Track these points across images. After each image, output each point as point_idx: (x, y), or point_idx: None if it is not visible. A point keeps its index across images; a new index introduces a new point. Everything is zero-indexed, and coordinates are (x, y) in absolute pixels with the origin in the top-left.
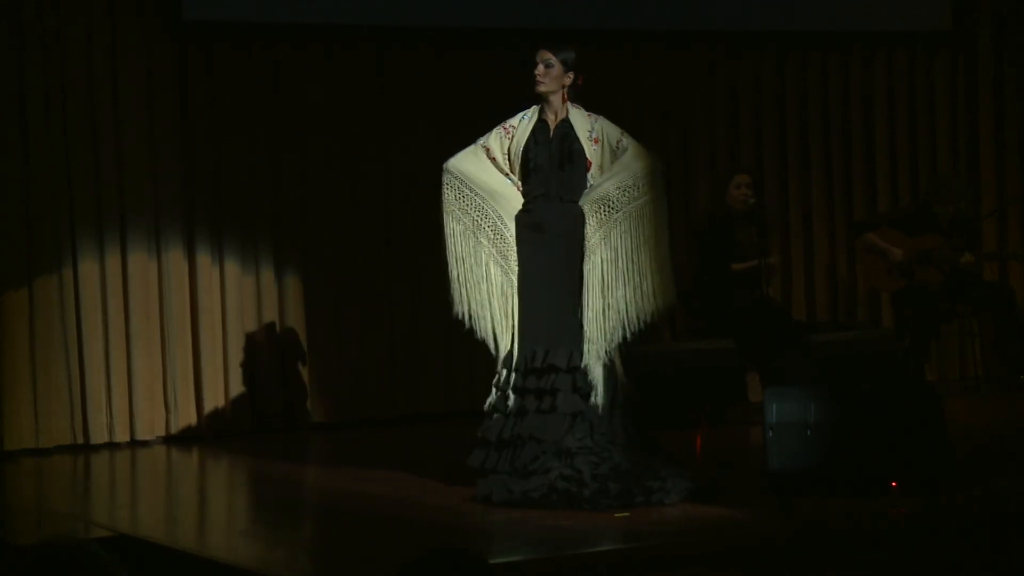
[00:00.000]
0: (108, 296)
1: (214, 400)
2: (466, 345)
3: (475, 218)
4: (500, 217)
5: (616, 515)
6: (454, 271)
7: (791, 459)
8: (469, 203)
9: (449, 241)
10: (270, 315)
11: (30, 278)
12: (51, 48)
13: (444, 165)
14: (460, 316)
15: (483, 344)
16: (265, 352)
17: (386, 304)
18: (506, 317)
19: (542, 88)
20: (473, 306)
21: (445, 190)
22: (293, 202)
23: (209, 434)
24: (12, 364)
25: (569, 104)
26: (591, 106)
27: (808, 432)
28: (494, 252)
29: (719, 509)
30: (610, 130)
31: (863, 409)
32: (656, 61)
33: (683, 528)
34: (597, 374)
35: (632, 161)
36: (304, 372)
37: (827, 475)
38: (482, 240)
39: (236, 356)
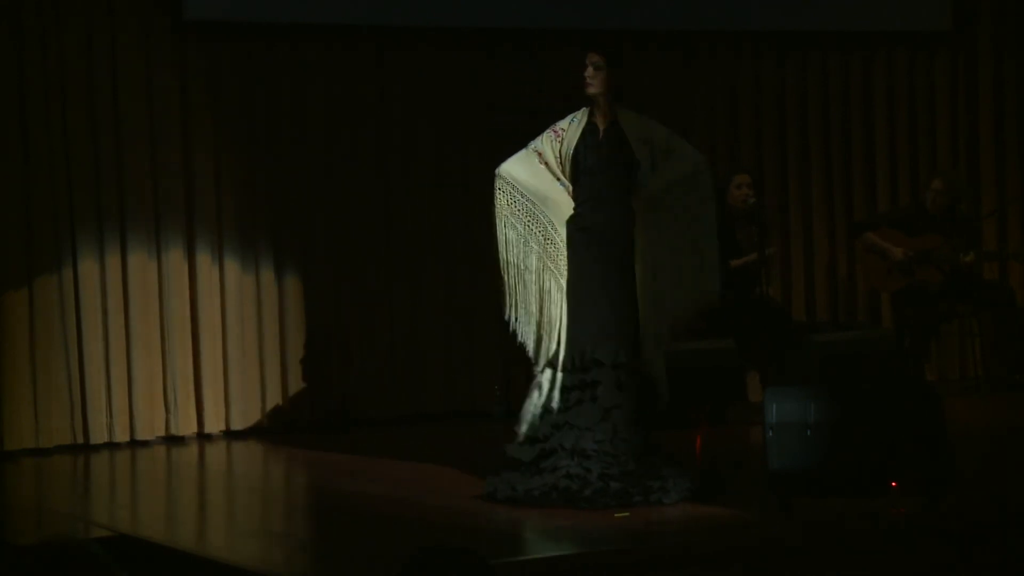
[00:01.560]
0: (108, 296)
1: (214, 400)
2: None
3: (527, 223)
4: (551, 223)
5: (616, 515)
6: (506, 276)
7: (791, 459)
8: (521, 208)
9: (502, 248)
10: (270, 315)
11: (30, 278)
12: (51, 47)
13: (496, 170)
14: (508, 320)
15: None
16: (265, 352)
17: (386, 304)
18: (551, 322)
19: (592, 90)
20: (521, 312)
21: (498, 195)
22: (293, 202)
23: (208, 434)
24: (12, 364)
25: (617, 105)
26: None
27: (808, 432)
28: (545, 258)
29: (719, 509)
30: (659, 131)
31: (863, 409)
32: (655, 61)
33: (683, 528)
34: (658, 367)
35: (680, 161)
36: (304, 372)
37: (827, 475)
38: (533, 246)
39: (236, 356)
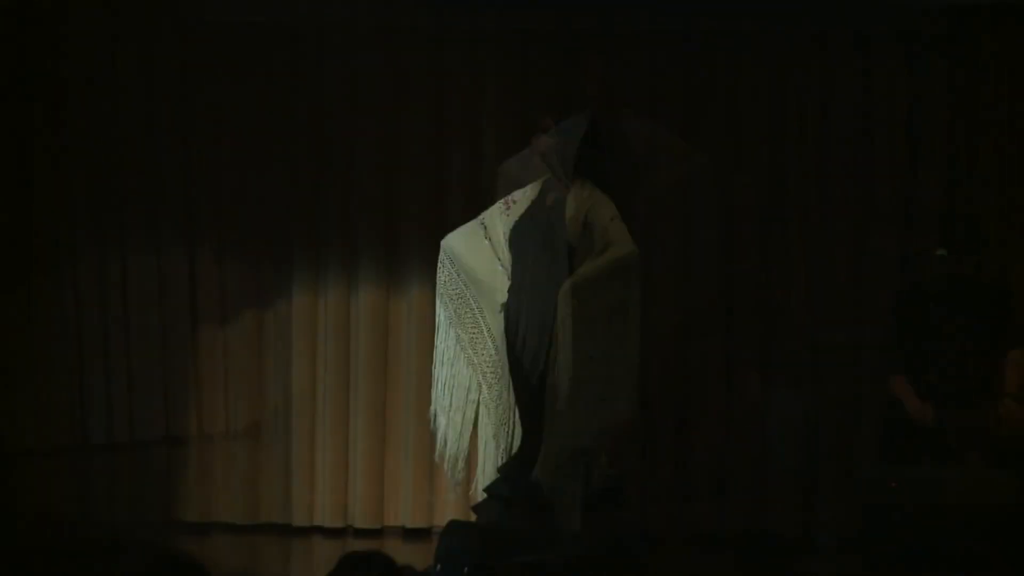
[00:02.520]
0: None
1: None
2: None
3: (457, 306)
4: (481, 310)
5: None
6: (435, 366)
7: None
8: (455, 289)
9: (437, 331)
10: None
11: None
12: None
13: (441, 242)
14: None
15: None
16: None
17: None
18: (464, 421)
19: (536, 160)
20: (434, 405)
21: (438, 269)
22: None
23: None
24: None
25: (577, 179)
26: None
27: None
28: (468, 349)
29: None
30: (602, 212)
31: None
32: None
33: None
34: (556, 489)
35: (610, 254)
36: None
37: None
38: (460, 334)
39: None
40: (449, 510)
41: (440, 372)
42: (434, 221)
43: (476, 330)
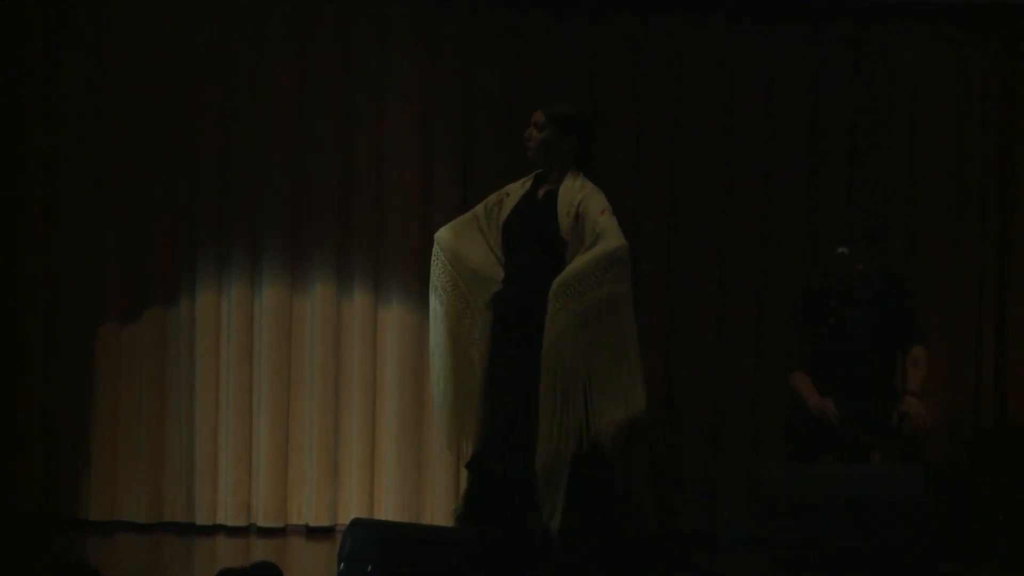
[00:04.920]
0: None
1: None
2: None
3: (450, 299)
4: (476, 302)
5: None
6: (432, 356)
7: None
8: (448, 280)
9: (431, 323)
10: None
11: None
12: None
13: (435, 235)
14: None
15: None
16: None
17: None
18: (467, 413)
19: (528, 154)
20: (437, 396)
21: (432, 261)
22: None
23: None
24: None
25: (570, 171)
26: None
27: None
28: (462, 340)
29: None
30: (593, 205)
31: None
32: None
33: None
34: (545, 491)
35: (600, 248)
36: None
37: None
38: (454, 325)
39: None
40: (353, 508)
41: (436, 363)
42: (337, 219)
43: (471, 322)
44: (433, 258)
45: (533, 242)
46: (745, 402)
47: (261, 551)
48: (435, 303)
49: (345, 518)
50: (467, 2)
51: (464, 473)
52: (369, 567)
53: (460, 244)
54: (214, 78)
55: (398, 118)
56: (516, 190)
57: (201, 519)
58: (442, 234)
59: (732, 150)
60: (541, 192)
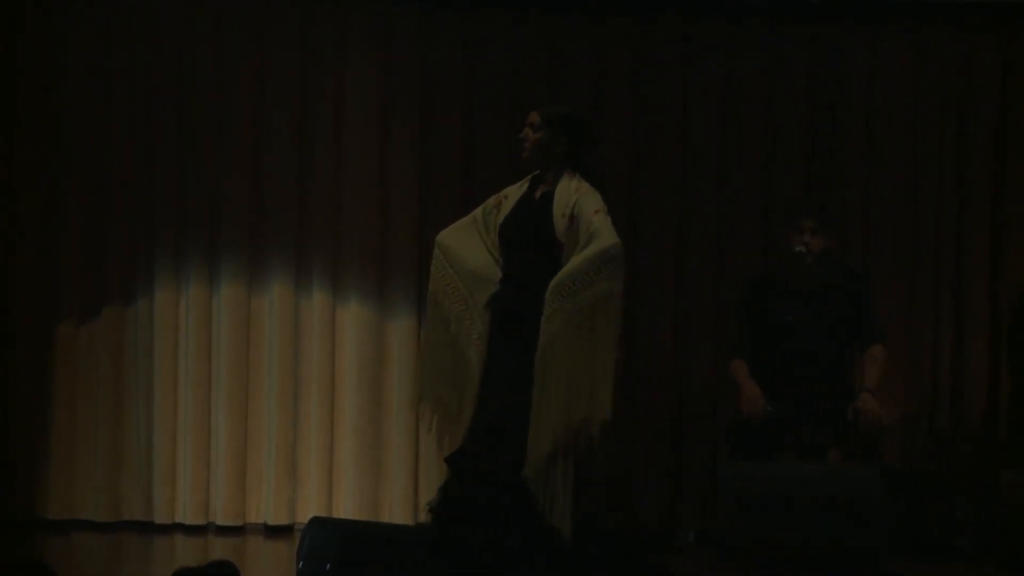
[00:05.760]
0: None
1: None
2: None
3: (449, 300)
4: (475, 303)
5: None
6: (424, 357)
7: None
8: (447, 282)
9: (429, 323)
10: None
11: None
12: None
13: (436, 237)
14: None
15: None
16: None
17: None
18: (456, 409)
19: (523, 155)
20: (427, 396)
21: (433, 265)
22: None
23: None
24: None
25: (565, 172)
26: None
27: None
28: (460, 342)
29: None
30: (587, 205)
31: None
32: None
33: None
34: (554, 486)
35: (594, 247)
36: None
37: None
38: (452, 326)
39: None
40: (311, 507)
41: (428, 363)
42: (296, 218)
43: (470, 323)
44: (433, 260)
45: (529, 244)
46: (703, 399)
47: (220, 550)
48: (434, 304)
49: (304, 516)
50: (426, 2)
51: (427, 469)
52: (328, 565)
53: (459, 246)
54: (172, 77)
55: (356, 118)
56: (514, 192)
57: (160, 518)
58: (442, 236)
59: (689, 147)
60: (538, 193)
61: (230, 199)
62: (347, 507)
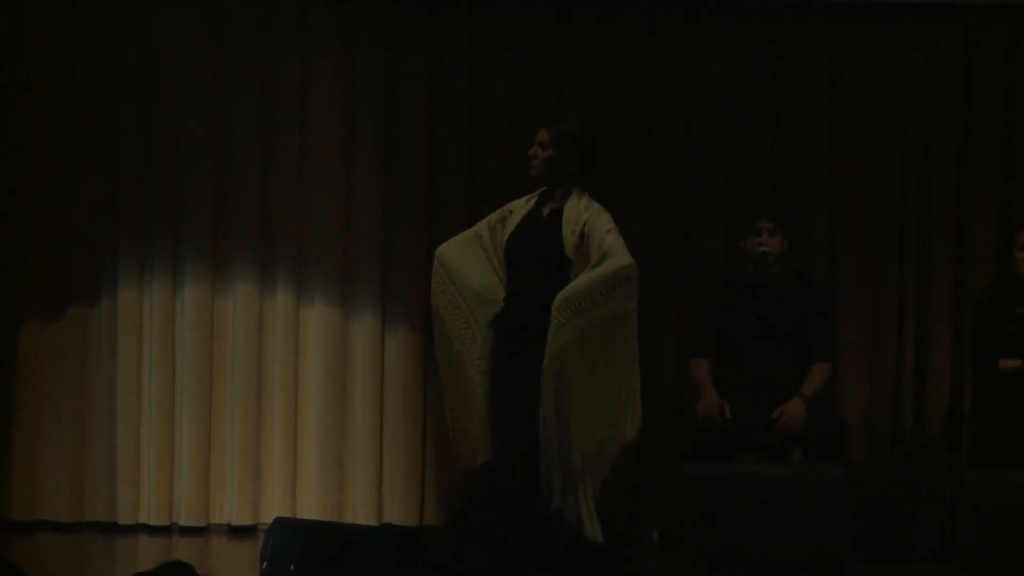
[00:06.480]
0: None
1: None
2: None
3: (451, 317)
4: (477, 321)
5: None
6: (441, 372)
7: None
8: (449, 299)
9: (436, 340)
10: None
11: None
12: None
13: (436, 251)
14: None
15: None
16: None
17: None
18: (475, 427)
19: (531, 172)
20: (452, 413)
21: (433, 280)
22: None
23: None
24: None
25: (574, 190)
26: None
27: None
28: (463, 359)
29: None
30: (599, 224)
31: None
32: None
33: None
34: (575, 507)
35: (607, 266)
36: None
37: None
38: (456, 344)
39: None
40: (275, 507)
41: (443, 375)
42: (259, 218)
43: (471, 342)
44: (434, 274)
45: (537, 261)
46: (667, 400)
47: (183, 550)
48: (436, 323)
49: (267, 517)
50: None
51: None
52: (292, 566)
53: (461, 262)
54: (134, 76)
55: (320, 118)
56: (520, 207)
57: (123, 518)
58: (443, 251)
59: (652, 147)
60: (546, 210)
61: (193, 200)
62: (311, 508)
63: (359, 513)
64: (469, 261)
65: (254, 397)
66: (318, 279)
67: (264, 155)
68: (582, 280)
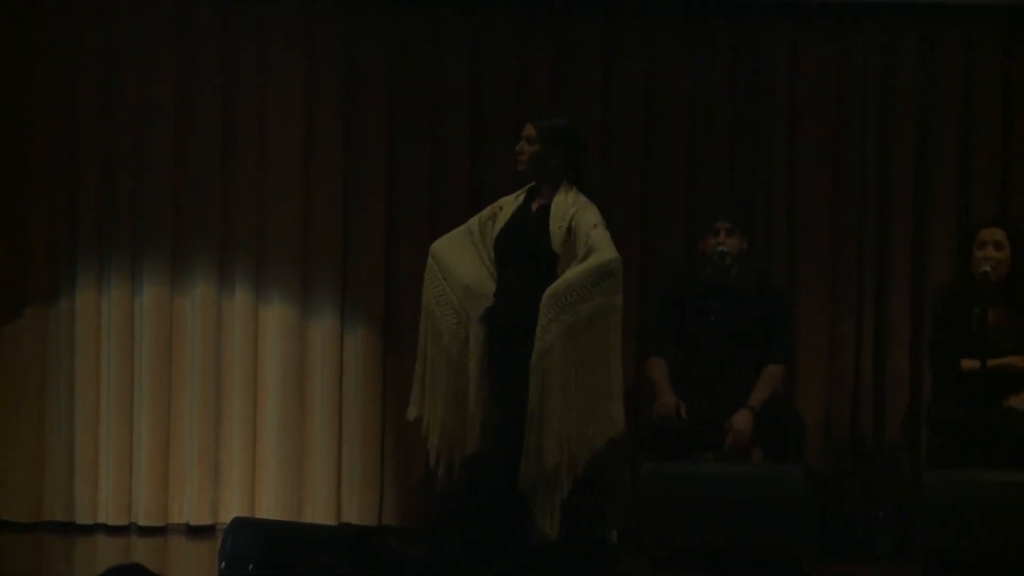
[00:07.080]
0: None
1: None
2: None
3: (442, 311)
4: (468, 317)
5: None
6: (419, 367)
7: None
8: (441, 294)
9: (421, 334)
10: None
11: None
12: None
13: (430, 247)
14: (415, 418)
15: None
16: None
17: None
18: (455, 422)
19: (519, 167)
20: (427, 412)
21: (426, 275)
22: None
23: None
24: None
25: (562, 185)
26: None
27: None
28: (453, 355)
29: None
30: (585, 219)
31: None
32: None
33: None
34: (539, 503)
35: (592, 260)
36: None
37: None
38: (446, 339)
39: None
40: (233, 507)
41: (427, 377)
42: (218, 217)
43: (463, 336)
44: (427, 270)
45: (526, 256)
46: (628, 399)
47: (142, 550)
48: (424, 318)
49: (226, 517)
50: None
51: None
52: (250, 566)
53: (453, 258)
54: (94, 73)
55: (279, 118)
56: (509, 204)
57: (81, 518)
58: (436, 247)
59: (611, 147)
60: (534, 206)
61: (152, 198)
62: (269, 507)
63: (318, 513)
64: (461, 257)
65: (213, 397)
66: (277, 279)
67: (223, 155)
68: (569, 275)
